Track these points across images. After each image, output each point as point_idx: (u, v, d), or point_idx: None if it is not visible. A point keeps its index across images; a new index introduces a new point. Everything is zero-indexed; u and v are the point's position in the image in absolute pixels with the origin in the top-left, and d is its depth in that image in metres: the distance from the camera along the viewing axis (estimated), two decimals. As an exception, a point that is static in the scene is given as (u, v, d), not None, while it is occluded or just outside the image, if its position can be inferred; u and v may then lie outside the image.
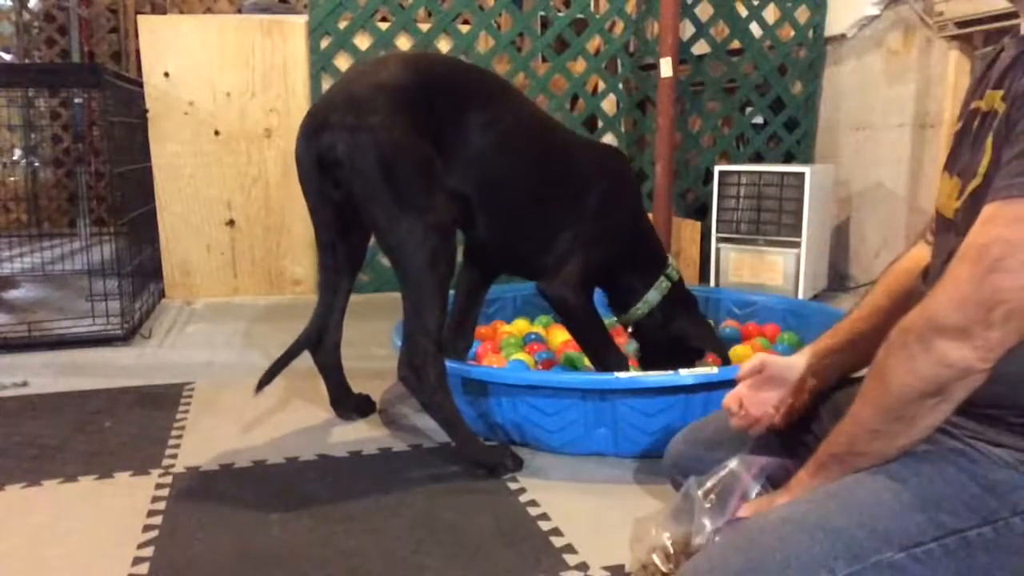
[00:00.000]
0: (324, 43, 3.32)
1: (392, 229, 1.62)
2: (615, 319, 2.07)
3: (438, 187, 1.65)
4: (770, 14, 3.71)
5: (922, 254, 1.20)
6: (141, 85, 3.28)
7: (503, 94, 1.84)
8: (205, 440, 1.84)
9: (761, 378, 1.24)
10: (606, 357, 1.86)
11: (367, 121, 1.60)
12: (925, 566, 0.89)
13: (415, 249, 1.62)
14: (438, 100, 1.70)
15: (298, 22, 3.37)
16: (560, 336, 2.32)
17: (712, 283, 3.22)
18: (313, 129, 1.66)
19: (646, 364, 2.03)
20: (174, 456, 1.75)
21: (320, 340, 1.90)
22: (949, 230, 1.03)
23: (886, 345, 0.92)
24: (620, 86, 3.74)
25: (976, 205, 0.92)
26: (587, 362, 2.12)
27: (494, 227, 1.82)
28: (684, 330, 2.00)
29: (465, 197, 1.75)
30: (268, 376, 1.80)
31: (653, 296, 1.97)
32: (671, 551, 1.09)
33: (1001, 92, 0.96)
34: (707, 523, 1.06)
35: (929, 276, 1.09)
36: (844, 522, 0.91)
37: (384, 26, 3.35)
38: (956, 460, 0.94)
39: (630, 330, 2.04)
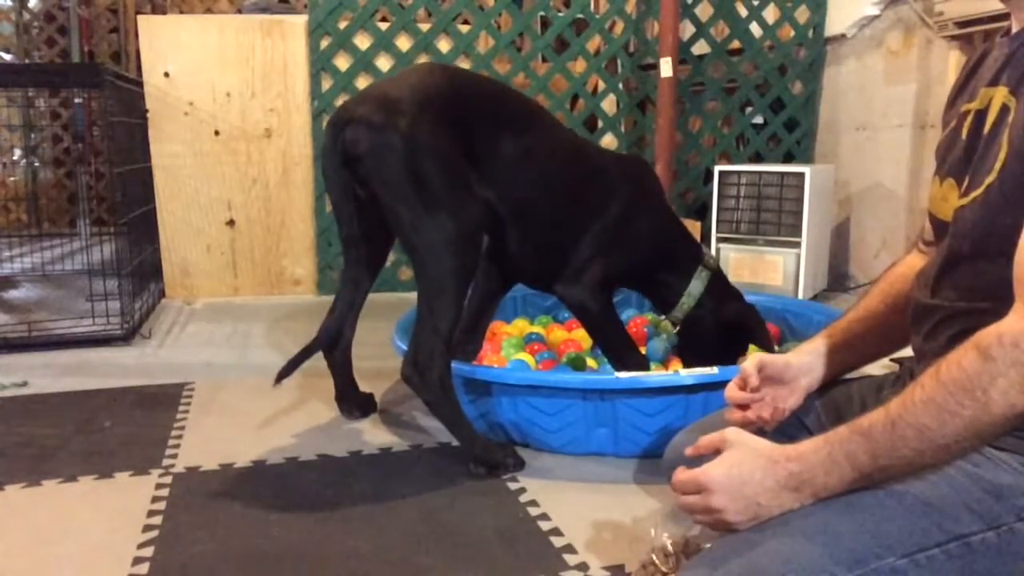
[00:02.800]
0: (324, 43, 3.33)
1: (417, 229, 1.62)
2: (661, 318, 2.06)
3: (466, 190, 1.66)
4: (770, 14, 3.71)
5: (917, 260, 1.20)
6: (141, 85, 3.28)
7: (537, 118, 1.87)
8: (205, 440, 1.84)
9: (761, 377, 1.24)
10: (627, 359, 1.86)
11: (394, 120, 1.61)
12: (927, 571, 0.89)
13: (440, 250, 1.62)
14: (472, 114, 1.72)
15: (298, 22, 3.37)
16: (560, 335, 2.32)
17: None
18: (340, 123, 1.67)
19: (693, 360, 1.96)
20: (174, 456, 1.75)
21: (338, 335, 1.90)
22: (947, 232, 1.02)
23: (983, 358, 0.84)
24: (620, 86, 3.74)
25: (992, 202, 0.91)
26: (591, 362, 2.12)
27: (523, 242, 1.83)
28: (739, 314, 1.99)
29: (495, 211, 1.76)
30: (288, 369, 1.79)
31: (696, 287, 1.97)
32: (671, 551, 1.09)
33: (1005, 88, 0.95)
34: None
35: (923, 279, 1.09)
36: (846, 527, 0.90)
37: (384, 26, 3.35)
38: (961, 464, 0.93)
39: (677, 328, 2.03)
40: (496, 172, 1.73)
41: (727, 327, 1.99)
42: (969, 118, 1.02)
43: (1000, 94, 0.96)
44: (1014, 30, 1.01)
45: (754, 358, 1.24)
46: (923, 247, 1.22)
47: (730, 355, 1.91)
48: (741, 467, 0.96)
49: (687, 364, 1.98)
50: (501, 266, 1.96)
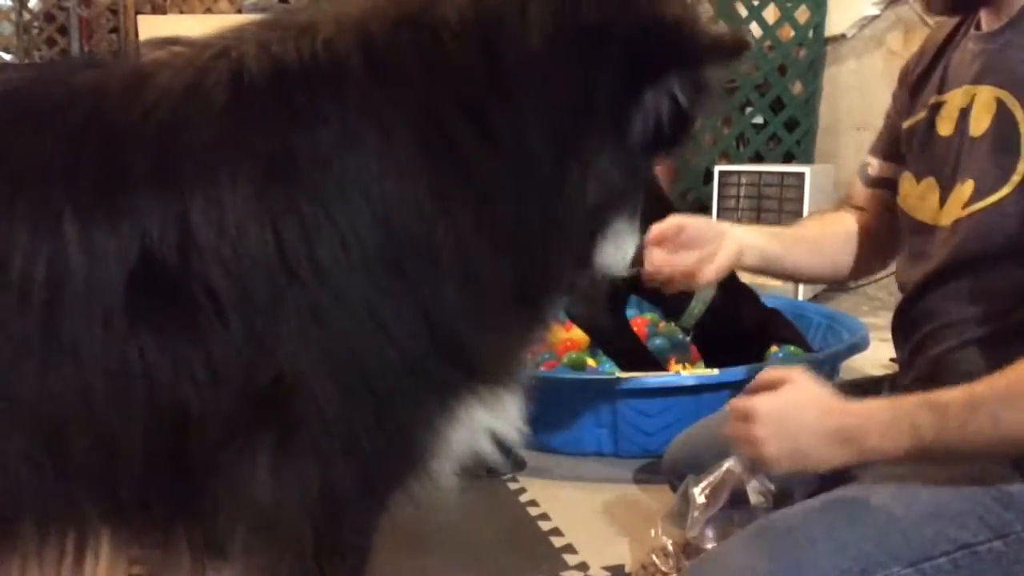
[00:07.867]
0: (324, 43, 3.32)
1: None
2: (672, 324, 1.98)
3: None
4: (770, 14, 3.71)
5: (849, 222, 1.24)
6: (141, 85, 3.27)
7: None
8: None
9: (679, 241, 1.20)
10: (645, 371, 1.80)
11: None
12: None
13: None
14: None
15: (298, 22, 3.36)
16: (560, 335, 2.31)
17: (712, 283, 3.22)
18: None
19: (712, 363, 1.88)
20: (174, 456, 1.75)
21: None
22: (924, 232, 1.01)
23: None
24: (620, 86, 3.73)
25: (1009, 214, 0.90)
26: (591, 361, 2.12)
27: None
28: (757, 317, 1.90)
29: None
30: None
31: (707, 291, 1.84)
32: (671, 551, 1.09)
33: (995, 88, 0.93)
34: (699, 516, 1.06)
35: (903, 276, 1.09)
36: (852, 534, 0.89)
37: (384, 26, 3.34)
38: (969, 472, 0.92)
39: (689, 336, 1.94)
40: None
41: (748, 331, 1.90)
42: (950, 114, 1.00)
43: (987, 94, 0.94)
44: (985, 28, 0.99)
45: (674, 219, 1.21)
46: (849, 209, 1.25)
47: (754, 357, 1.82)
48: (795, 406, 0.93)
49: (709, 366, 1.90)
50: None
